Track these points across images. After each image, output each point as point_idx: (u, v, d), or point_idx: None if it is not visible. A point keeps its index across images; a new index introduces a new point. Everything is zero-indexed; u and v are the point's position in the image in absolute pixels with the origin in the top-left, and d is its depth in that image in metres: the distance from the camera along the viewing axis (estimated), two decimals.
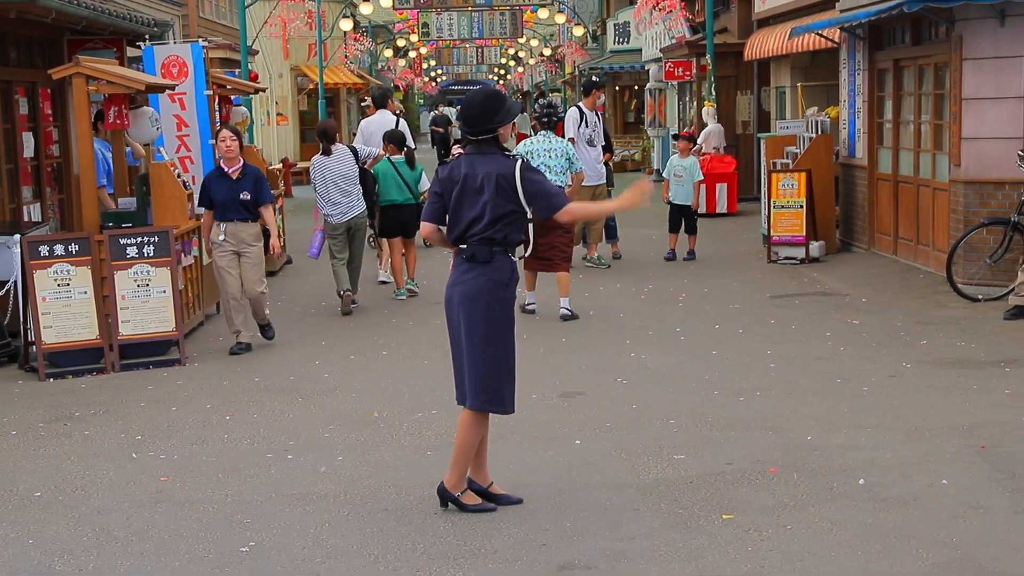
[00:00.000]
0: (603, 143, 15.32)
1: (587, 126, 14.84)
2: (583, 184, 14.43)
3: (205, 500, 6.68)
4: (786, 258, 15.40)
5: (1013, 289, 11.39)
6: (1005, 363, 9.39)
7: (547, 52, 54.16)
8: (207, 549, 5.92)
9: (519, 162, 6.15)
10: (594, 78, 16.20)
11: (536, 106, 13.69)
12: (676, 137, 17.96)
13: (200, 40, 14.66)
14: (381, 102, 15.85)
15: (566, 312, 11.84)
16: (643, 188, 6.15)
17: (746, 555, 5.59)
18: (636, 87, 38.05)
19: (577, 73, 42.71)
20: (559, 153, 12.48)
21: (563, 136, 14.31)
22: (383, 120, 15.16)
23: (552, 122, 12.82)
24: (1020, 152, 11.65)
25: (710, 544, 5.73)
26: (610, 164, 16.37)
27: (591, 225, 15.11)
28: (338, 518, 6.30)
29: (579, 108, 14.99)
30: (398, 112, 16.09)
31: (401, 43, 52.28)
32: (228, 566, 5.70)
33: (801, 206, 15.33)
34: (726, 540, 5.77)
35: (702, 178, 16.70)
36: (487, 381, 6.17)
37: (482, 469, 6.41)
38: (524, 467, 7.02)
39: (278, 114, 34.48)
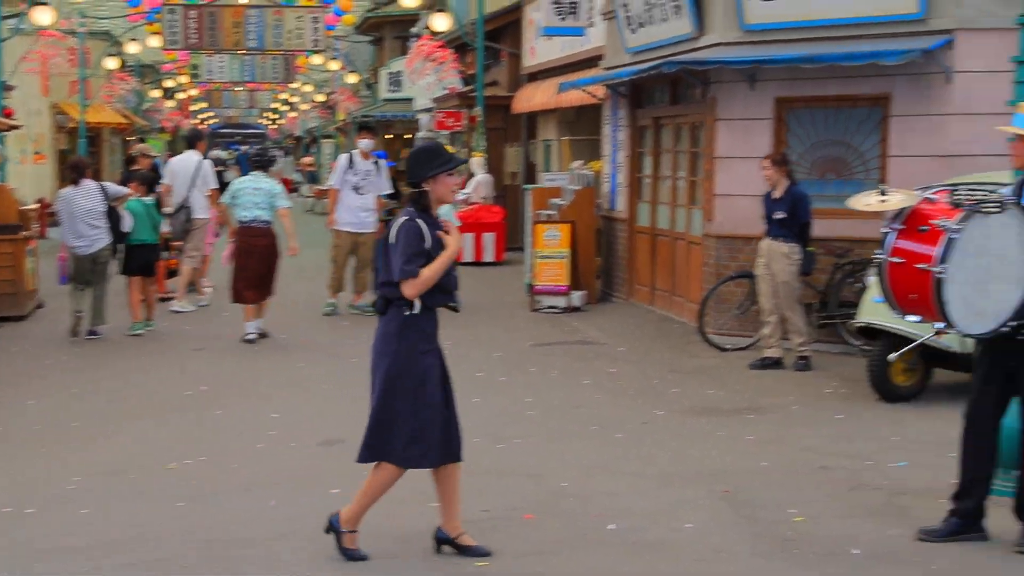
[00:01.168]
0: (381, 192, 15.28)
1: (355, 174, 14.86)
2: (344, 230, 14.62)
3: None
4: (549, 307, 15.65)
5: (759, 341, 11.90)
6: (749, 411, 9.77)
7: (320, 98, 53.89)
8: None
9: (402, 221, 6.03)
10: (367, 125, 16.19)
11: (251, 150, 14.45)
12: None
13: None
14: (191, 143, 16.34)
15: (251, 336, 12.97)
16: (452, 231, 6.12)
17: None
18: (407, 136, 38.22)
19: (350, 120, 42.63)
20: (265, 192, 13.18)
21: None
22: (188, 160, 15.80)
23: (262, 163, 13.79)
24: None
25: None
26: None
27: (358, 273, 15.10)
28: (83, 571, 6.06)
29: (350, 155, 15.10)
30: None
31: (170, 84, 51.12)
32: None
33: (564, 256, 15.63)
34: None
35: (459, 224, 16.76)
36: (370, 431, 6.15)
37: (451, 519, 6.28)
38: (282, 516, 6.91)
39: (35, 152, 33.24)
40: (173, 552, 6.33)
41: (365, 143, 15.28)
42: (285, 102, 65.30)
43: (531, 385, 10.85)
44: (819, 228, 12.24)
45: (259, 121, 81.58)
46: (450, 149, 6.01)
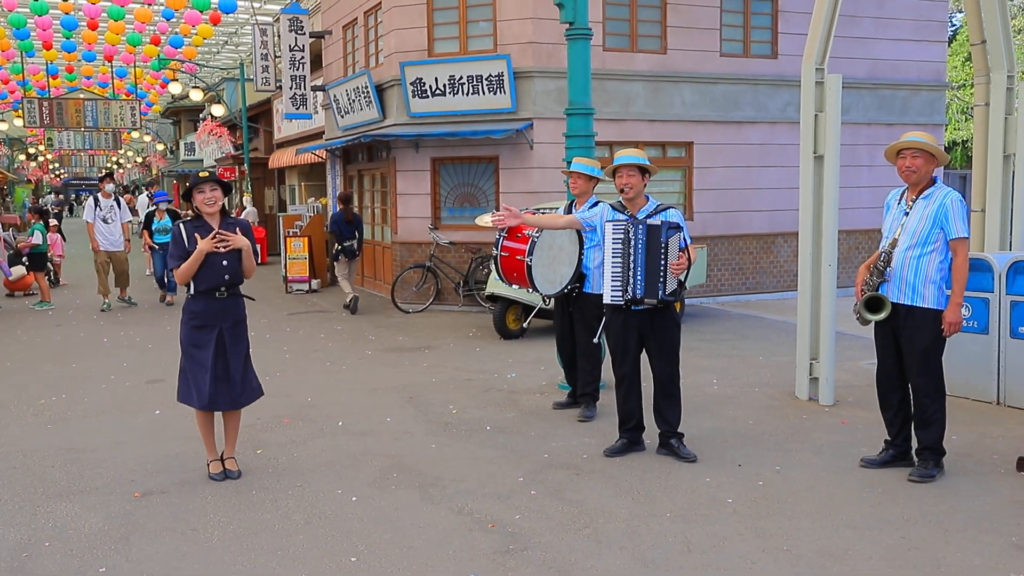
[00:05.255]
0: (122, 220, 12.95)
1: (101, 209, 12.78)
2: (107, 249, 12.82)
3: None
4: (297, 290, 15.15)
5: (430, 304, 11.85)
6: (424, 348, 9.77)
7: (140, 160, 49.81)
8: None
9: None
10: (105, 172, 13.86)
11: None
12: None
13: None
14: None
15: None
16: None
17: (268, 474, 5.37)
18: None
19: (160, 174, 39.79)
20: None
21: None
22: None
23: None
24: (429, 226, 12.23)
25: (246, 471, 5.44)
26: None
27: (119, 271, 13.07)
28: None
29: (95, 197, 12.82)
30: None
31: (32, 151, 45.82)
32: None
33: (305, 258, 15.18)
34: (257, 466, 5.52)
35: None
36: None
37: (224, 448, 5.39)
38: (121, 428, 6.33)
39: None
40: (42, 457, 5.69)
41: (109, 187, 13.03)
42: (116, 162, 60.05)
43: (286, 339, 10.45)
44: (460, 236, 12.40)
45: (97, 174, 74.41)
46: (203, 174, 5.21)
